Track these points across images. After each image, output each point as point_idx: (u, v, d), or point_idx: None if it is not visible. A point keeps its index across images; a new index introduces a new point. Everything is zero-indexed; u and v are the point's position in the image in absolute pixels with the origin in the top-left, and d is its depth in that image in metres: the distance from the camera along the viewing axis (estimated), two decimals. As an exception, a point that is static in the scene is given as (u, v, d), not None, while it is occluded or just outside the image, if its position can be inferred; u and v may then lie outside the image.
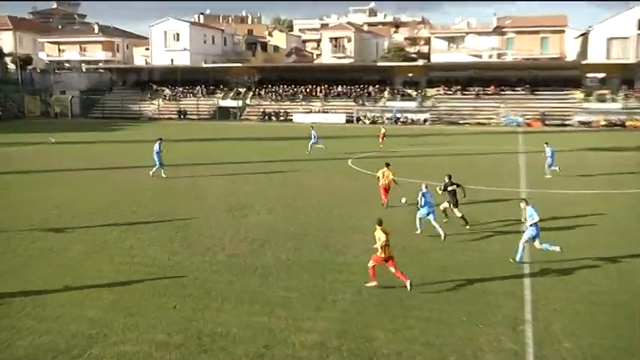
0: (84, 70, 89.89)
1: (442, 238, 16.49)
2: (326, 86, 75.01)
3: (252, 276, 14.25)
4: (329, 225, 18.79)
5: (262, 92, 76.85)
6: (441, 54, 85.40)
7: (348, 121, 67.95)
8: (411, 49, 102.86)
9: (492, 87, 68.71)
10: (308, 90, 75.27)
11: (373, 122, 67.61)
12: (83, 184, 26.48)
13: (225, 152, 39.05)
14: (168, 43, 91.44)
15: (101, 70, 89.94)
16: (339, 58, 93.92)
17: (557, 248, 14.55)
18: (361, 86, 73.98)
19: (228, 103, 75.43)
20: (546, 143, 27.91)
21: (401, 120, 67.08)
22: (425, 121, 66.18)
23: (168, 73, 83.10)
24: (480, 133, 52.34)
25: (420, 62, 79.05)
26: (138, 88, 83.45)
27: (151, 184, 26.30)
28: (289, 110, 72.38)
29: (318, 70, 79.39)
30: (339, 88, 74.57)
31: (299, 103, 73.81)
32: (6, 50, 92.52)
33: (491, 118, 64.74)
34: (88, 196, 23.50)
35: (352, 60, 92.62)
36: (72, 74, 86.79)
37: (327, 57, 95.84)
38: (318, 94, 74.45)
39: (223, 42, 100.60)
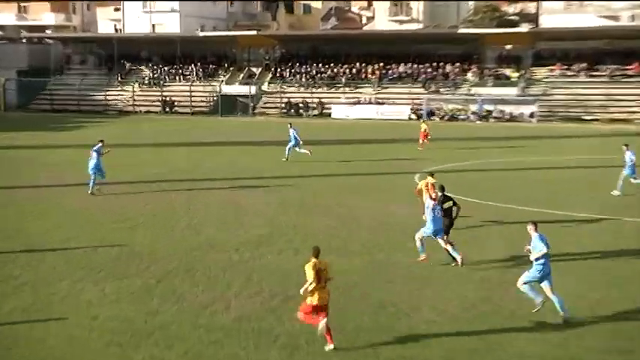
0: (23, 40, 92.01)
1: (459, 263, 18.69)
2: (381, 65, 75.24)
3: (269, 348, 14.04)
4: (385, 273, 18.51)
5: (286, 73, 77.49)
6: (556, 15, 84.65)
7: (414, 117, 67.82)
8: (510, 9, 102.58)
9: (636, 65, 67.71)
10: (354, 70, 75.56)
11: (452, 118, 67.39)
12: (16, 210, 26.82)
13: (237, 162, 39.66)
14: (149, 2, 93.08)
15: (49, 41, 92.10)
16: (401, 22, 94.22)
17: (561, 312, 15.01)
18: (434, 64, 73.91)
19: (236, 89, 76.25)
20: (626, 145, 29.70)
21: (493, 115, 66.58)
22: (531, 116, 65.48)
23: (147, 45, 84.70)
24: (617, 134, 51.49)
25: (524, 28, 78.59)
26: (103, 68, 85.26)
27: (116, 208, 26.57)
28: (326, 100, 72.70)
29: (370, 40, 79.81)
30: (401, 68, 74.67)
31: (340, 90, 74.11)
32: None
33: (635, 112, 63.70)
34: (26, 229, 23.74)
35: (420, 25, 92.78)
36: (5, 46, 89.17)
37: (382, 21, 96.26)
38: (369, 76, 74.67)
39: (228, 1, 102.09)
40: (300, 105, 72.92)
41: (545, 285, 15.12)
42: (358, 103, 71.18)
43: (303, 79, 76.00)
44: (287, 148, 39.33)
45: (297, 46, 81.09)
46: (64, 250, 20.85)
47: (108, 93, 79.51)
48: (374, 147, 47.31)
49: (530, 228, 15.35)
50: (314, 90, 74.35)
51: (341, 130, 58.71)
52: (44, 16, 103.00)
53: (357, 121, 66.08)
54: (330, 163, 38.94)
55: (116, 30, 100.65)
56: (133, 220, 24.73)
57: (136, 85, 79.56)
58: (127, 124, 65.81)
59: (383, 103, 70.84)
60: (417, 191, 23.37)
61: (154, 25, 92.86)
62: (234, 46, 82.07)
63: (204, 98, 76.72)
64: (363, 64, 75.75)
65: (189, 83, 77.63)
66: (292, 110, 72.66)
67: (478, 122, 65.29)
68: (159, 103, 76.62)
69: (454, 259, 19.01)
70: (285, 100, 73.77)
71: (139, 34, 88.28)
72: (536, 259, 15.00)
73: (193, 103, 75.48)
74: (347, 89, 73.94)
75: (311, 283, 13.51)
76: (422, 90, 71.39)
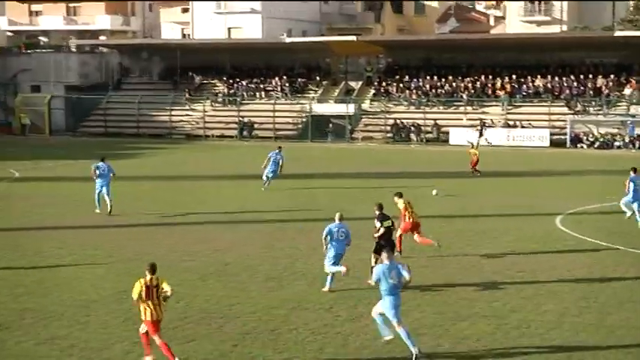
0: (73, 48, 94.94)
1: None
2: (513, 77, 74.72)
3: None
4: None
5: (392, 89, 77.72)
6: None
7: (555, 143, 67.00)
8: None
9: None
10: (478, 85, 75.24)
11: (604, 145, 66.27)
12: (51, 262, 27.58)
13: (335, 200, 40.00)
14: (224, 2, 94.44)
15: (103, 50, 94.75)
16: (539, 24, 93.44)
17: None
18: (581, 77, 72.96)
19: (330, 108, 76.90)
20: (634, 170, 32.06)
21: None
22: None
23: (221, 54, 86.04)
24: None
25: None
26: (168, 82, 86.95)
27: (181, 254, 27.02)
28: (442, 122, 72.50)
29: (499, 46, 79.36)
30: (538, 81, 73.97)
31: (461, 110, 73.83)
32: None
33: None
34: (76, 278, 24.40)
35: (564, 28, 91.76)
36: (52, 56, 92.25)
37: (515, 23, 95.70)
38: (497, 92, 74.19)
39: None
40: (411, 128, 72.86)
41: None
42: (483, 125, 70.74)
43: (414, 96, 76.05)
44: (265, 175, 42.64)
45: (407, 54, 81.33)
46: (119, 301, 21.36)
47: (173, 113, 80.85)
48: (503, 182, 46.95)
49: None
50: (427, 109, 74.27)
51: (461, 159, 58.34)
52: (98, 19, 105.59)
53: (482, 149, 65.50)
54: (450, 199, 38.95)
55: (184, 35, 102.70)
56: (201, 269, 25.02)
57: (208, 103, 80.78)
58: (198, 151, 67.07)
59: (515, 126, 70.21)
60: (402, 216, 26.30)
61: (229, 30, 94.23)
62: (329, 54, 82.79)
63: (290, 119, 77.47)
64: (490, 77, 75.36)
65: (273, 101, 78.59)
66: (400, 134, 72.64)
67: (633, 151, 64.16)
68: (235, 126, 77.48)
69: None
70: (391, 121, 73.83)
71: (211, 40, 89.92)
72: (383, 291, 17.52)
73: (277, 126, 76.30)
74: (469, 108, 73.62)
75: (136, 299, 16.65)
76: (565, 109, 70.50)
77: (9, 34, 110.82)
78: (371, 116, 76.11)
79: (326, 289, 22.53)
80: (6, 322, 19.78)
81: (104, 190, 34.96)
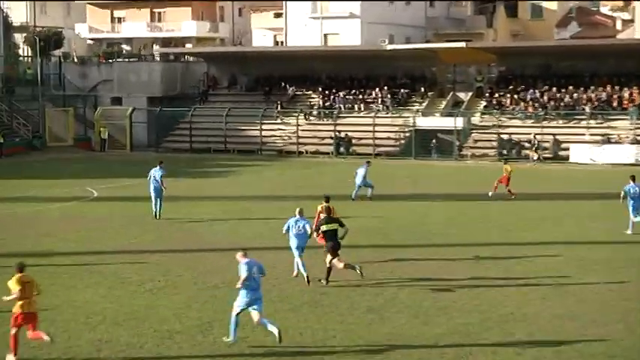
0: (157, 57, 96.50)
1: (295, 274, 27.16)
2: (645, 87, 73.46)
3: None
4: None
5: (506, 101, 77.00)
6: None
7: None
8: None
9: None
10: (604, 96, 74.12)
11: None
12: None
13: (448, 223, 39.74)
14: (320, 5, 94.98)
15: (189, 58, 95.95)
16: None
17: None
18: None
19: (436, 122, 76.54)
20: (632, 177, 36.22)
21: None
22: None
23: (317, 62, 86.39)
24: None
25: None
26: (259, 93, 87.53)
27: (273, 279, 27.04)
28: (562, 138, 71.63)
29: (628, 52, 78.00)
30: (677, 91, 72.59)
31: (583, 124, 72.80)
32: (17, 21, 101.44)
33: None
34: (155, 306, 24.65)
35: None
36: (134, 66, 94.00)
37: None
38: (624, 103, 72.95)
39: (427, 1, 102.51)
40: (526, 144, 72.06)
41: (252, 310, 20.73)
42: (608, 142, 69.59)
43: (530, 109, 75.26)
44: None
45: (522, 62, 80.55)
46: (204, 332, 21.55)
47: (264, 127, 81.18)
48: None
49: (238, 255, 21.16)
50: (545, 124, 73.43)
51: (584, 181, 57.59)
52: (184, 25, 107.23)
53: (608, 168, 64.52)
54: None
55: (276, 43, 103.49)
56: (295, 299, 25.12)
57: (301, 116, 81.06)
58: (291, 168, 67.05)
59: (645, 142, 69.01)
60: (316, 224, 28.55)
61: (325, 36, 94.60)
62: (435, 63, 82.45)
63: (391, 134, 77.30)
64: (616, 88, 74.13)
65: (373, 114, 78.47)
66: (511, 150, 71.82)
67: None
68: (331, 141, 77.62)
69: (354, 267, 27.04)
70: (506, 136, 73.04)
71: (306, 47, 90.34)
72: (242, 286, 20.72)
73: (377, 142, 76.15)
74: (592, 122, 72.53)
75: (16, 297, 19.10)
76: None
77: (89, 42, 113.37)
78: (481, 131, 75.39)
79: (294, 273, 27.73)
80: (81, 353, 20.04)
81: (154, 194, 40.07)
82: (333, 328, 22.18)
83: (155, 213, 40.38)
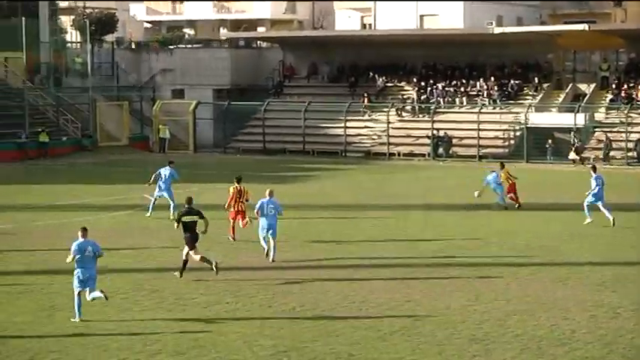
0: (225, 43, 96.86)
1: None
2: None
3: None
4: None
5: (636, 92, 76.04)
6: None
7: None
8: None
9: None
10: None
11: None
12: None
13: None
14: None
15: (262, 44, 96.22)
16: None
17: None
18: None
19: (552, 119, 75.87)
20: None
21: None
22: None
23: (411, 49, 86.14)
24: None
25: None
26: (342, 85, 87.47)
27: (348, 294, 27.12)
28: None
29: None
30: None
31: None
32: (64, 2, 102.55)
33: None
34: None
35: None
36: (199, 53, 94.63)
37: None
38: None
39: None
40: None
41: (87, 290, 25.19)
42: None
43: (666, 103, 74.44)
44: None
45: (658, 48, 79.79)
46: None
47: (349, 124, 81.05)
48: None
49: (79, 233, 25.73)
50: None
51: None
52: (255, 6, 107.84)
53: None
54: None
55: (363, 26, 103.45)
56: (385, 326, 25.09)
57: (393, 111, 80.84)
58: (381, 172, 66.86)
59: None
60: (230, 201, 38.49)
61: (421, 18, 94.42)
62: (551, 49, 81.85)
63: (499, 133, 76.85)
64: None
65: (477, 109, 78.07)
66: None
67: None
68: (427, 141, 77.28)
69: (210, 263, 30.77)
70: (636, 136, 72.14)
71: (398, 31, 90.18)
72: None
73: (482, 141, 75.67)
74: None
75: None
76: None
77: (147, 25, 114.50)
78: (608, 129, 74.54)
79: (266, 255, 33.94)
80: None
81: (166, 194, 45.23)
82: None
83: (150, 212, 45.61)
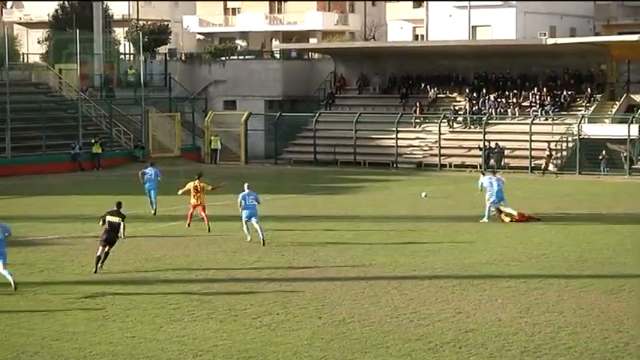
0: (277, 54, 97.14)
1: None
2: None
3: None
4: None
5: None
6: None
7: None
8: None
9: None
10: None
11: None
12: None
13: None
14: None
15: (313, 55, 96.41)
16: None
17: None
18: None
19: (605, 130, 75.38)
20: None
21: None
22: None
23: (463, 60, 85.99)
24: None
25: None
26: (394, 96, 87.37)
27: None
28: None
29: None
30: None
31: None
32: (117, 13, 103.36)
33: None
34: None
35: None
36: (251, 64, 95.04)
37: None
38: None
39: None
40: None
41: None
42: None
43: None
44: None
45: None
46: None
47: (400, 135, 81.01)
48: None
49: None
50: None
51: None
52: (307, 17, 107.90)
53: None
54: None
55: (416, 37, 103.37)
56: (435, 337, 24.97)
57: (444, 122, 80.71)
58: (433, 184, 66.32)
59: None
60: (185, 191, 44.13)
61: (474, 28, 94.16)
62: (605, 59, 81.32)
63: (552, 144, 76.43)
64: None
65: (530, 120, 77.71)
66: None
67: None
68: (479, 152, 77.04)
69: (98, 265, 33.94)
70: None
71: (451, 42, 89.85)
72: None
73: (535, 153, 75.26)
74: None
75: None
76: None
77: (199, 37, 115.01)
78: (661, 140, 74.01)
79: (248, 239, 39.45)
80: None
81: (152, 193, 49.17)
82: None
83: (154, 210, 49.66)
